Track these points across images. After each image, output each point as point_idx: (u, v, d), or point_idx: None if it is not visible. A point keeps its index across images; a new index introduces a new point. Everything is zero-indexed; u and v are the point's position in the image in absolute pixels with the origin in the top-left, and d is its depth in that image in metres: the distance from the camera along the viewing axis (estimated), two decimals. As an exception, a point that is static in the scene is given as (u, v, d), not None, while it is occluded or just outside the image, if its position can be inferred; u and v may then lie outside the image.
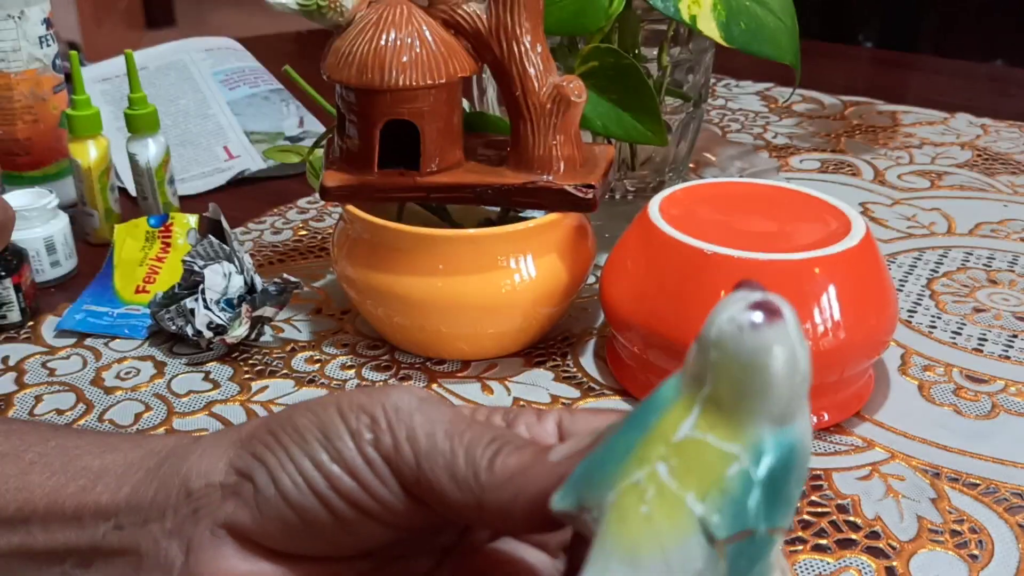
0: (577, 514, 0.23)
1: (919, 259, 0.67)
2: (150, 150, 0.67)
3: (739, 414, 0.22)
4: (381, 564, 0.30)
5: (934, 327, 0.58)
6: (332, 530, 0.28)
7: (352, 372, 0.53)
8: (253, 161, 0.82)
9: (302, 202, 0.76)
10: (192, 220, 0.63)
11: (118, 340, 0.57)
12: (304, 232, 0.71)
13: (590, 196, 0.51)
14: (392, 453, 0.27)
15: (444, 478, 0.26)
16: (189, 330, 0.53)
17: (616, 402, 0.50)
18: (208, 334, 0.52)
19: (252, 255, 0.67)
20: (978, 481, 0.45)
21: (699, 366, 0.23)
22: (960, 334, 0.57)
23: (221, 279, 0.53)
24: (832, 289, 0.47)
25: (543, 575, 0.30)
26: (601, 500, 0.23)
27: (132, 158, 0.67)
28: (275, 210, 0.74)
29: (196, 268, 0.53)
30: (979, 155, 0.85)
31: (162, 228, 0.63)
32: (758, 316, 0.22)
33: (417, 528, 0.28)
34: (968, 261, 0.66)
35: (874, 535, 0.42)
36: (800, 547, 0.42)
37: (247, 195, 0.78)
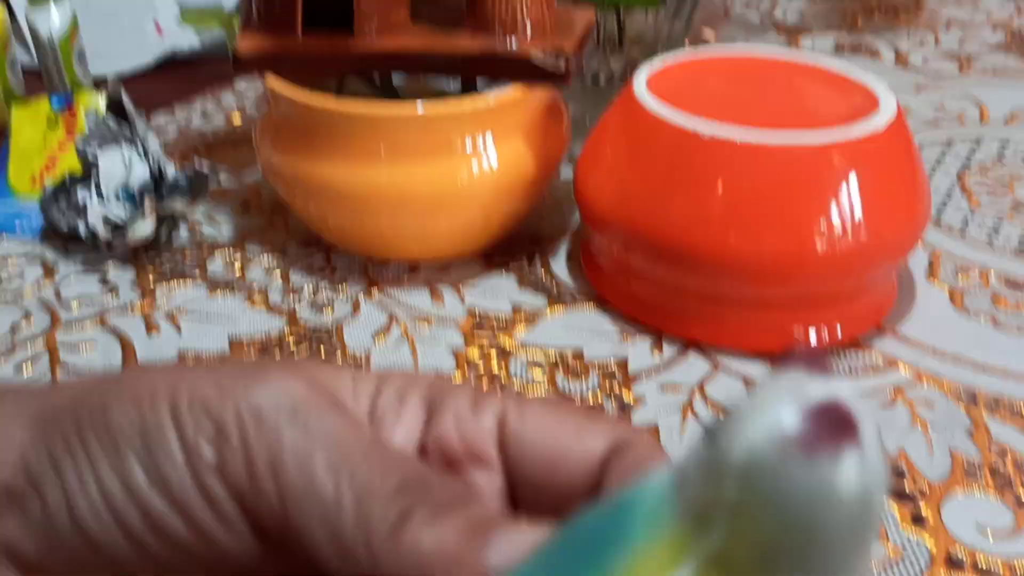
0: None
1: (948, 150, 0.58)
2: (53, 20, 0.58)
3: None
4: None
5: (966, 227, 0.50)
6: (150, 573, 0.20)
7: (278, 276, 0.45)
8: (188, 39, 0.72)
9: (243, 85, 0.67)
10: (102, 100, 0.54)
11: (7, 239, 0.48)
12: (241, 119, 0.62)
13: (562, 65, 0.42)
14: (244, 485, 0.19)
15: (320, 536, 0.18)
16: (82, 228, 0.44)
17: (590, 314, 0.42)
18: (104, 232, 0.44)
19: (174, 143, 0.58)
20: (1023, 409, 0.38)
21: (707, 496, 0.15)
22: (998, 234, 0.49)
23: (120, 167, 0.44)
24: (854, 178, 0.38)
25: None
26: None
27: (32, 29, 0.58)
28: (208, 92, 0.65)
29: (90, 154, 0.44)
30: (1013, 37, 0.76)
31: (66, 111, 0.54)
32: (820, 437, 0.13)
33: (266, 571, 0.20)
34: (1004, 153, 0.58)
35: (897, 474, 0.35)
36: (807, 489, 0.34)
37: (181, 77, 0.68)
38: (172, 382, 0.20)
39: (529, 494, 0.21)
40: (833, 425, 0.13)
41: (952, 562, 0.31)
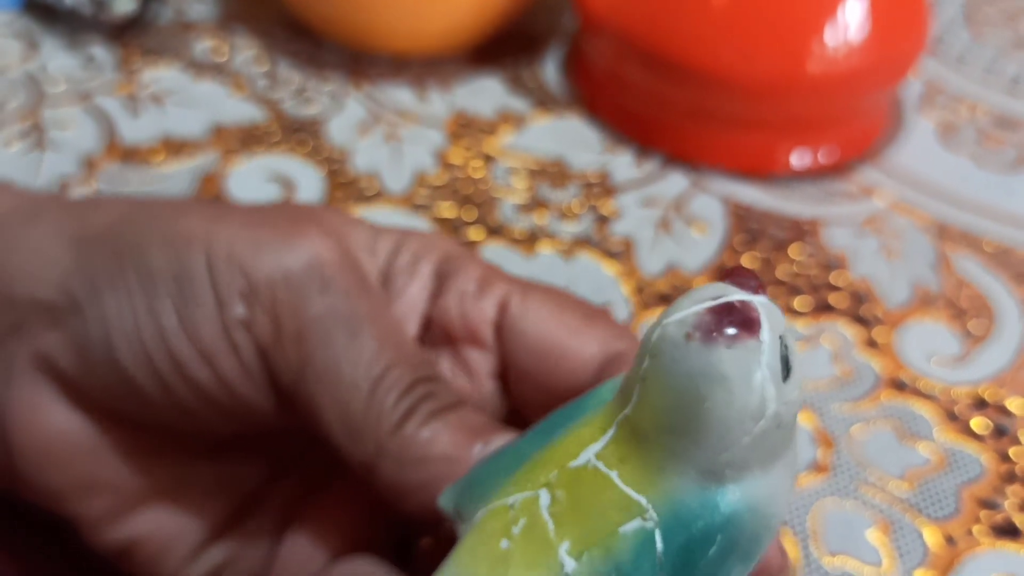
0: (455, 520, 0.18)
1: (960, -25, 0.56)
2: None
3: (659, 453, 0.16)
4: (235, 450, 0.23)
5: (964, 59, 0.49)
6: (173, 413, 0.20)
7: (263, 64, 0.44)
8: None
9: None
10: None
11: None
12: None
13: None
14: (268, 345, 0.19)
15: (331, 414, 0.19)
16: (63, -1, 0.43)
17: (576, 123, 0.42)
18: (86, 6, 0.43)
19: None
20: (988, 245, 0.38)
21: (631, 373, 0.17)
22: (994, 69, 0.48)
23: (100, -64, 0.42)
24: (855, -2, 0.37)
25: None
26: (472, 513, 0.18)
27: None
28: None
29: (69, -81, 0.42)
30: None
31: None
32: (720, 326, 0.15)
33: (288, 428, 0.21)
34: (1017, -18, 0.56)
35: (858, 299, 0.36)
36: (770, 308, 0.35)
37: None
38: (209, 230, 0.20)
39: (521, 381, 0.22)
40: (734, 321, 0.15)
41: (896, 385, 0.33)
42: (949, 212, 0.40)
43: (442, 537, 0.25)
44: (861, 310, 0.36)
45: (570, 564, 0.16)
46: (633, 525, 0.16)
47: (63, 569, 0.25)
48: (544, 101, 0.43)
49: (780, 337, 0.16)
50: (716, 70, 0.38)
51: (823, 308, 0.35)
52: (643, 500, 0.16)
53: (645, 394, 0.16)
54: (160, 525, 0.22)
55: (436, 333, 0.22)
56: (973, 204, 0.40)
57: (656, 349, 0.16)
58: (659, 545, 0.16)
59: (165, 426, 0.21)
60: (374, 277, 0.22)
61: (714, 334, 0.15)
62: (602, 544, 0.16)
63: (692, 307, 0.16)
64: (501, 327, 0.22)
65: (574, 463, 0.17)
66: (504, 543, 0.16)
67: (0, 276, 0.21)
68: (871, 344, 0.34)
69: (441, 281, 0.22)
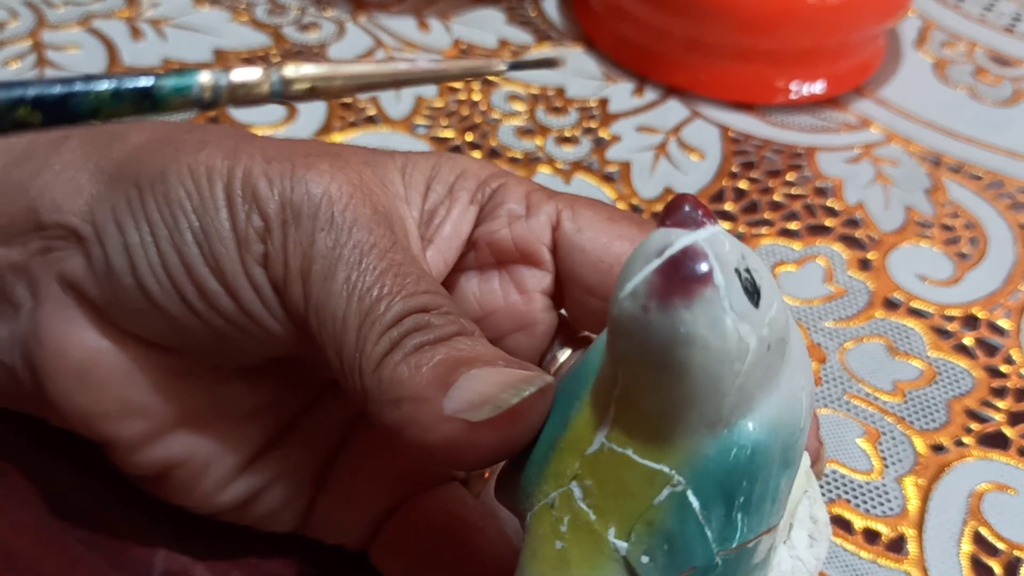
0: (519, 515, 0.18)
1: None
2: None
3: (661, 423, 0.15)
4: (269, 378, 0.23)
5: (963, -1, 0.49)
6: (198, 335, 0.20)
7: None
8: None
9: None
10: None
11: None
12: None
13: None
14: (280, 281, 0.19)
15: (329, 350, 0.19)
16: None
17: (576, 54, 0.42)
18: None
19: None
20: (982, 174, 0.39)
21: (609, 351, 0.16)
22: (992, 9, 0.49)
23: None
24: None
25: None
26: (526, 504, 0.18)
27: None
28: None
29: None
30: None
31: None
32: (671, 287, 0.15)
33: (311, 355, 0.21)
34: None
35: (852, 223, 0.36)
36: (764, 230, 0.36)
37: None
38: (229, 158, 0.20)
39: (582, 297, 0.22)
40: (684, 276, 0.15)
41: (888, 303, 0.34)
42: (944, 143, 0.40)
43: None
44: (855, 233, 0.36)
45: (622, 546, 0.16)
46: (664, 494, 0.16)
47: (78, 493, 0.26)
48: (544, 32, 0.43)
49: (736, 269, 0.15)
50: (715, 0, 0.38)
51: (817, 230, 0.36)
52: (665, 468, 0.16)
53: (627, 374, 0.16)
54: (194, 449, 0.22)
55: (485, 256, 0.22)
56: (968, 136, 0.41)
57: (621, 329, 0.16)
58: (695, 503, 0.16)
59: (196, 350, 0.21)
60: (415, 212, 0.22)
61: (668, 298, 0.15)
62: (643, 520, 0.16)
63: (641, 270, 0.15)
64: (557, 246, 0.22)
65: (590, 450, 0.17)
66: (558, 544, 0.17)
67: (27, 200, 0.21)
68: (864, 265, 0.35)
69: (484, 205, 0.22)
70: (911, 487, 0.29)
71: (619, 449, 0.16)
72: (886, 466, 0.29)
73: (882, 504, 0.28)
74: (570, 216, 0.22)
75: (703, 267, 0.15)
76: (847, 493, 0.28)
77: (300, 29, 0.42)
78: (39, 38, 0.40)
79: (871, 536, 0.28)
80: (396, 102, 0.39)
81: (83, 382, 0.21)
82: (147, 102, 0.16)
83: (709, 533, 0.16)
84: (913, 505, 0.28)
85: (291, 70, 0.16)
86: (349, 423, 0.24)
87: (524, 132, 0.38)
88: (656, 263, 0.15)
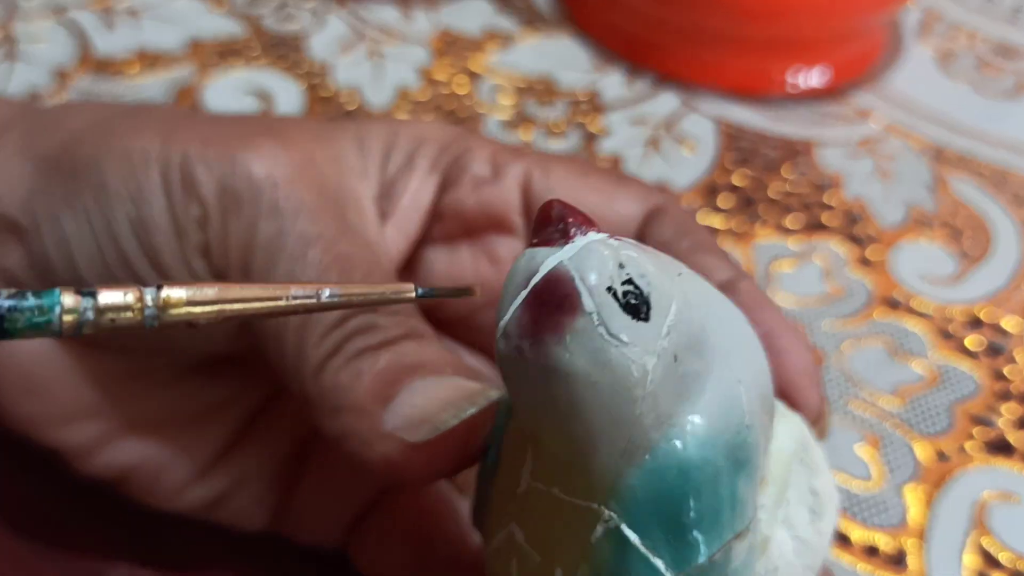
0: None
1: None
2: None
3: (575, 460, 0.14)
4: (225, 374, 0.22)
5: (966, -11, 0.48)
6: (149, 334, 0.19)
7: (245, -18, 0.43)
8: None
9: None
10: None
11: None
12: None
13: None
14: (222, 271, 0.18)
15: (271, 350, 0.18)
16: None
17: (565, 42, 0.41)
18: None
19: None
20: (986, 169, 0.37)
21: (509, 392, 0.16)
22: (991, 1, 0.47)
23: None
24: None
25: None
26: (483, 539, 0.18)
27: None
28: None
29: None
30: None
31: None
32: (538, 325, 0.13)
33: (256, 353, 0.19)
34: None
35: (851, 220, 0.35)
36: (760, 227, 0.34)
37: None
38: (164, 147, 0.19)
39: None
40: (549, 309, 0.13)
41: (889, 302, 0.32)
42: (946, 136, 0.39)
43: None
44: (854, 229, 0.35)
45: None
46: (599, 531, 0.15)
47: (37, 503, 0.24)
48: (532, 20, 0.42)
49: (609, 288, 0.13)
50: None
51: (815, 226, 0.35)
52: (593, 505, 0.15)
53: (527, 416, 0.15)
54: (151, 453, 0.21)
55: (451, 226, 0.21)
56: (970, 129, 0.39)
57: (505, 372, 0.14)
58: (632, 537, 0.15)
59: (142, 349, 0.20)
60: (373, 184, 0.20)
61: (538, 335, 0.13)
62: (586, 560, 0.15)
63: (510, 306, 0.14)
64: (528, 208, 0.20)
65: (520, 488, 0.16)
66: None
67: None
68: (864, 262, 0.33)
69: (448, 172, 0.21)
70: (912, 496, 0.27)
71: (544, 488, 0.15)
72: (887, 474, 0.28)
73: (881, 514, 0.27)
74: (541, 176, 0.20)
75: (568, 294, 0.13)
76: (845, 503, 0.27)
77: (280, 20, 0.41)
78: (10, 29, 0.39)
79: (870, 550, 0.26)
80: (377, 94, 0.38)
81: (27, 386, 0.20)
82: None
83: (659, 562, 0.15)
84: (914, 515, 0.27)
85: (170, 292, 0.15)
86: None
87: (511, 124, 0.37)
88: (522, 296, 0.13)
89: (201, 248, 0.18)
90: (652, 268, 0.14)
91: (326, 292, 0.15)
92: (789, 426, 0.18)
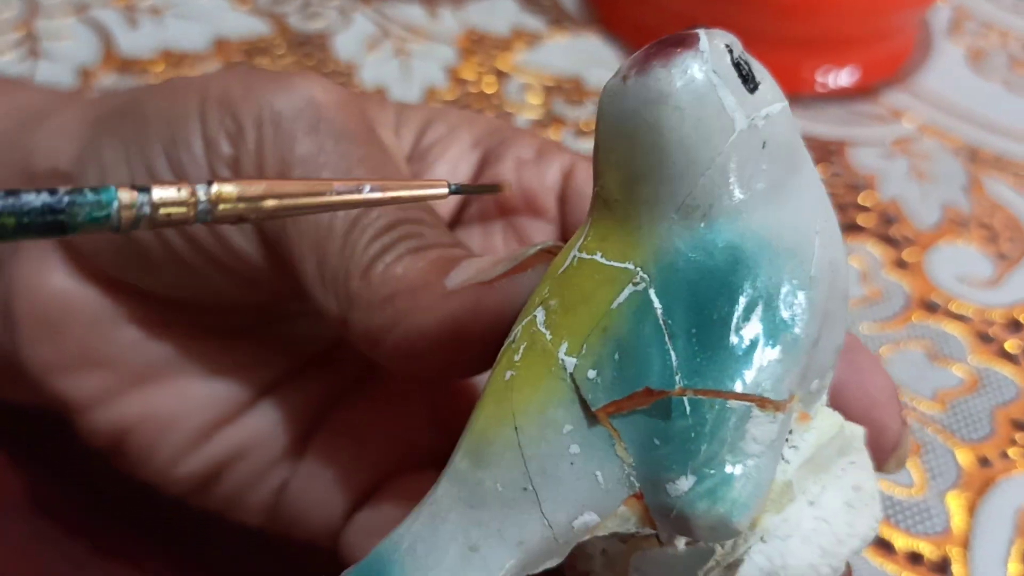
0: None
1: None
2: None
3: (635, 210, 0.13)
4: (247, 340, 0.21)
5: (995, -13, 0.47)
6: (174, 269, 0.19)
7: (268, -20, 0.42)
8: None
9: None
10: None
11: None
12: None
13: None
14: None
15: (309, 261, 0.17)
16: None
17: (593, 41, 0.40)
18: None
19: None
20: (1021, 170, 0.37)
21: (594, 150, 0.15)
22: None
23: None
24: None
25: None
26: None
27: None
28: None
29: None
30: None
31: None
32: (653, 53, 0.13)
33: (290, 296, 0.19)
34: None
35: (887, 221, 0.34)
36: (795, 228, 0.34)
37: None
38: (206, 81, 0.19)
39: None
40: (667, 44, 0.13)
41: (928, 306, 0.32)
42: (980, 136, 0.38)
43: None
44: (890, 231, 0.34)
45: (571, 362, 0.14)
46: (624, 294, 0.13)
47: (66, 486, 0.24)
48: (560, 19, 0.42)
49: (728, 47, 0.13)
50: (740, -14, 0.36)
51: (851, 228, 0.34)
52: (629, 265, 0.14)
53: (604, 158, 0.14)
54: (154, 410, 0.21)
55: (488, 205, 0.21)
56: (1004, 128, 0.39)
57: (602, 111, 0.14)
58: (656, 304, 0.13)
59: (173, 294, 0.20)
60: (406, 147, 0.20)
61: (648, 62, 0.13)
62: (599, 327, 0.14)
63: (638, 54, 0.14)
64: (566, 196, 0.20)
65: (562, 269, 0.15)
66: (508, 374, 0.14)
67: (22, 152, 0.21)
68: (901, 264, 0.33)
69: (489, 151, 0.21)
70: (955, 504, 0.27)
71: (587, 256, 0.14)
72: (929, 481, 0.27)
73: (925, 522, 0.27)
74: (586, 168, 0.20)
75: (688, 36, 0.13)
76: (888, 510, 0.27)
77: (305, 18, 0.40)
78: (31, 28, 0.39)
79: (914, 557, 0.26)
80: (405, 93, 0.37)
81: (44, 329, 0.20)
82: (57, 229, 0.14)
83: (670, 347, 0.13)
84: (957, 523, 0.27)
85: (221, 187, 0.15)
86: (328, 399, 0.22)
87: (540, 124, 0.36)
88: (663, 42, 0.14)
89: (230, 162, 0.18)
90: (773, 82, 0.14)
91: (367, 187, 0.15)
92: (845, 424, 0.16)
